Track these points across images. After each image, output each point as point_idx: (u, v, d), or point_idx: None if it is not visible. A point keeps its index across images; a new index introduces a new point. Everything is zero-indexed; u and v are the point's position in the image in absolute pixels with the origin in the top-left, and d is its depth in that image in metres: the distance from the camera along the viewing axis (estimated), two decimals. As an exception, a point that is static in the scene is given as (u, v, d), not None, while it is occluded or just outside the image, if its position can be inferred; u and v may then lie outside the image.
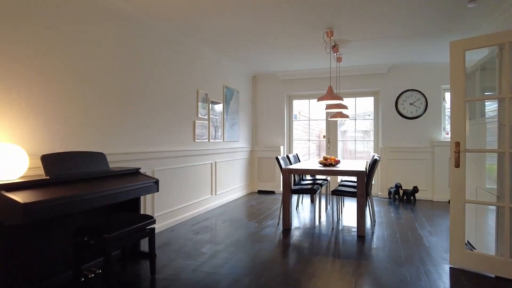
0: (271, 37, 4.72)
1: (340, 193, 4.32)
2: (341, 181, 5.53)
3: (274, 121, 7.29)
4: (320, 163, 4.66)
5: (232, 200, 6.26)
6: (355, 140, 7.24)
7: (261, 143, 7.36)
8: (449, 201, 6.12)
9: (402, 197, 6.29)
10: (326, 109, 5.23)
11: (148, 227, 2.81)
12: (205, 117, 5.32)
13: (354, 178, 5.68)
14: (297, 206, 5.68)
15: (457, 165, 2.98)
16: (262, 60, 6.09)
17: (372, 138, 7.86)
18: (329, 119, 5.77)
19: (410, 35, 4.66)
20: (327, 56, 5.71)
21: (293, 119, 7.39)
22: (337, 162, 4.59)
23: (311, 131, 7.93)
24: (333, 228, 4.26)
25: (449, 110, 6.79)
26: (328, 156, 4.69)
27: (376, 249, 3.46)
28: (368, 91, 6.84)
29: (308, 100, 7.30)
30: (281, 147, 7.15)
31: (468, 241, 3.52)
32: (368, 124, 11.73)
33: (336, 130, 7.11)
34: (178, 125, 4.61)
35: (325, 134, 7.23)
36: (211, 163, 5.54)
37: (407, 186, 6.48)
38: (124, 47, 3.65)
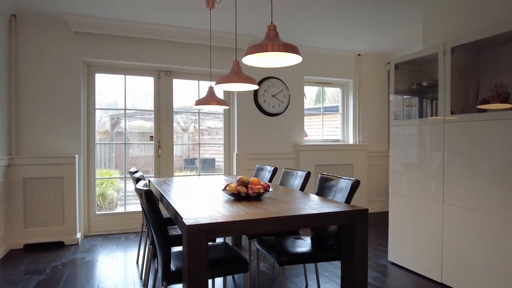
0: None
1: (302, 259, 2.02)
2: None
3: (58, 108, 3.88)
4: (235, 194, 2.16)
5: (-36, 291, 2.58)
6: (199, 144, 4.91)
7: (29, 149, 3.77)
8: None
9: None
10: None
11: None
12: None
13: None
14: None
15: None
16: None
17: (181, 141, 5.82)
18: (194, 106, 3.25)
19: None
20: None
21: (96, 107, 4.22)
22: (267, 188, 2.23)
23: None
24: None
25: (309, 109, 5.70)
26: (245, 178, 2.25)
27: None
28: (217, 74, 4.68)
29: (123, 76, 4.34)
30: (76, 157, 3.86)
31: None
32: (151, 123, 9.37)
33: (171, 129, 4.54)
34: None
35: (152, 135, 4.51)
36: None
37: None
38: None
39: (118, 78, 4.34)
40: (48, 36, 3.84)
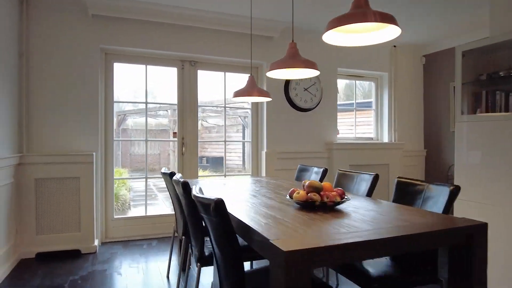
0: None
1: (396, 284, 1.62)
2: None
3: (74, 101, 3.48)
4: (308, 203, 1.76)
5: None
6: (225, 142, 4.50)
7: (42, 146, 3.37)
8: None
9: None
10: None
11: None
12: None
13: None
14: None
15: None
16: None
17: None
18: (232, 98, 2.86)
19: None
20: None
21: (113, 100, 3.81)
22: (342, 195, 1.83)
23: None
24: None
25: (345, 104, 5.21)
26: (318, 183, 1.84)
27: None
28: (244, 64, 4.28)
29: (144, 66, 3.93)
30: (94, 154, 3.45)
31: None
32: (166, 121, 9.02)
33: (196, 125, 4.13)
34: None
35: (176, 131, 4.11)
36: None
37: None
38: None
39: (135, 69, 3.93)
40: (62, 19, 3.43)
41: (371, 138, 5.03)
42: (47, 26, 3.37)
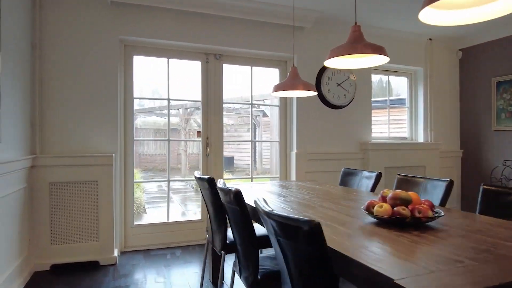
0: None
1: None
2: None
3: (91, 97, 3.16)
4: (398, 220, 1.42)
5: None
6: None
7: (57, 146, 3.05)
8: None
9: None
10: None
11: None
12: None
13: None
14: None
15: None
16: None
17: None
18: (272, 93, 2.53)
19: None
20: None
21: (133, 97, 3.49)
22: (432, 208, 1.49)
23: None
24: None
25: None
26: (405, 194, 1.50)
27: None
28: (272, 57, 3.94)
29: (166, 59, 3.60)
30: (114, 155, 3.13)
31: None
32: (176, 120, 8.67)
33: (221, 124, 3.80)
34: None
35: (200, 130, 3.77)
36: None
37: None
38: None
39: (143, 64, 3.61)
40: (79, 8, 3.11)
41: (405, 138, 4.68)
42: (62, 15, 3.05)
